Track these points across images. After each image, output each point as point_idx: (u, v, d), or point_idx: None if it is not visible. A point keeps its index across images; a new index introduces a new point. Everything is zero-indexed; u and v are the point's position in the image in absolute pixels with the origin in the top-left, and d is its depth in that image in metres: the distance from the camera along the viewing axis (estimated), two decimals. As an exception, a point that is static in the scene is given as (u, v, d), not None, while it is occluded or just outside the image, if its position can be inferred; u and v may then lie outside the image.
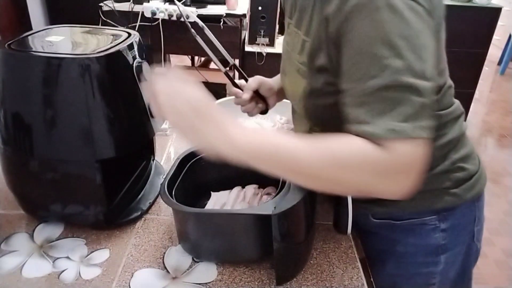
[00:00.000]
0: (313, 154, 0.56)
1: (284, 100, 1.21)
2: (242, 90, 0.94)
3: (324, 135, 0.57)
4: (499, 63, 5.06)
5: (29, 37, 0.80)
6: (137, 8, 2.56)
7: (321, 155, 0.56)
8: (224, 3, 2.65)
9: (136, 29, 2.52)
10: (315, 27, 0.67)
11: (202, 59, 3.41)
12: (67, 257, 0.77)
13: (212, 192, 0.86)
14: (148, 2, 2.60)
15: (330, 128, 0.64)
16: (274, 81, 0.98)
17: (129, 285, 0.72)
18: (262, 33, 2.72)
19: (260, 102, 0.98)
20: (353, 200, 0.77)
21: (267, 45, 2.76)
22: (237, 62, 3.03)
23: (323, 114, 0.74)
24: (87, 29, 0.88)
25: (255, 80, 0.94)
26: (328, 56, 0.65)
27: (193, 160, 0.85)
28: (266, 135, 0.60)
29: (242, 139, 0.57)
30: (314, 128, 0.79)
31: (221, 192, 0.87)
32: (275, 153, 0.56)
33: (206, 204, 0.87)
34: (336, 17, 0.60)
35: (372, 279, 0.77)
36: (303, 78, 0.73)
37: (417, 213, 0.79)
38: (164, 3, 2.58)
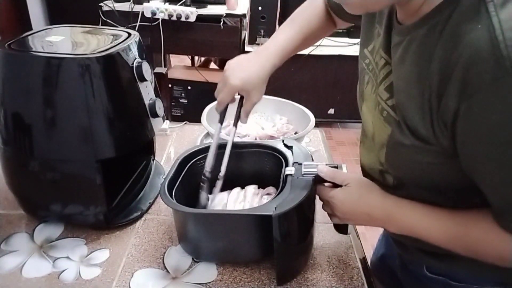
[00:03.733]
0: (456, 246, 0.61)
1: (285, 100, 1.21)
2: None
3: (467, 218, 0.60)
4: None
5: (29, 37, 0.80)
6: (137, 8, 2.56)
7: (463, 248, 0.61)
8: (224, 3, 2.65)
9: (136, 29, 2.52)
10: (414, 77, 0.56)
11: (202, 59, 3.41)
12: (67, 257, 0.77)
13: (208, 195, 0.86)
14: (148, 2, 2.60)
15: (411, 181, 0.65)
16: (263, 65, 0.81)
17: (129, 285, 0.72)
18: (262, 33, 2.72)
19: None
20: (407, 246, 0.75)
21: (267, 45, 2.76)
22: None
23: (408, 168, 0.63)
24: (87, 29, 0.88)
25: (230, 93, 0.81)
26: (431, 128, 0.55)
27: (193, 161, 0.85)
28: (413, 228, 0.65)
29: (395, 231, 0.68)
30: (388, 172, 0.67)
31: (221, 193, 0.86)
32: (418, 237, 0.65)
33: (206, 205, 0.87)
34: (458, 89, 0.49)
35: (372, 279, 0.77)
36: (388, 124, 0.63)
37: (479, 279, 0.69)
38: (164, 3, 2.58)
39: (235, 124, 0.84)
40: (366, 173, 0.75)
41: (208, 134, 1.16)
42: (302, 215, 0.71)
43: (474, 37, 0.47)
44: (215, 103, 1.15)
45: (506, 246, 0.55)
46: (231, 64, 0.82)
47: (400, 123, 0.59)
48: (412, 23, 0.56)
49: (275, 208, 0.65)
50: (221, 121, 0.84)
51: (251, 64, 0.82)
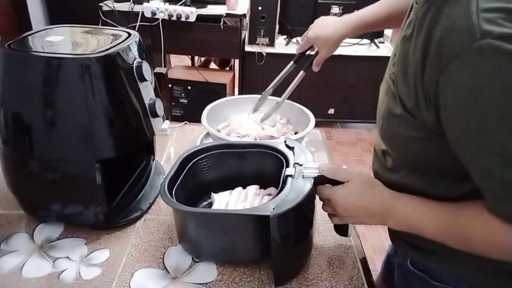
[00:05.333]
0: (448, 237, 0.61)
1: (298, 106, 1.20)
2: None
3: (457, 206, 0.59)
4: None
5: (29, 37, 0.80)
6: (137, 8, 2.56)
7: (454, 238, 0.60)
8: (224, 3, 2.65)
9: (136, 29, 2.52)
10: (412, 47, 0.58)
11: (202, 59, 3.41)
12: (67, 257, 0.77)
13: (212, 193, 0.86)
14: (148, 2, 2.60)
15: (404, 161, 0.66)
16: (338, 29, 0.99)
17: (129, 285, 0.72)
18: (262, 33, 2.72)
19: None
20: (397, 237, 0.75)
21: (267, 45, 2.76)
22: (237, 62, 3.03)
23: (396, 142, 0.66)
24: (87, 29, 0.88)
25: (307, 43, 1.04)
26: (415, 100, 0.57)
27: (194, 160, 0.85)
28: (410, 221, 0.65)
29: (395, 226, 0.69)
30: (388, 152, 0.70)
31: (222, 193, 0.87)
32: (415, 231, 0.65)
33: (206, 204, 0.87)
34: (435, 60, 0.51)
35: (372, 279, 0.77)
36: (387, 96, 0.66)
37: (458, 280, 0.68)
38: (164, 3, 2.58)
39: (305, 70, 1.06)
40: (375, 154, 0.77)
41: (208, 134, 1.16)
42: (300, 216, 0.71)
43: (452, 10, 0.50)
44: (215, 103, 1.17)
45: (494, 231, 0.54)
46: (318, 20, 1.03)
47: (395, 94, 0.62)
48: (420, 3, 0.59)
49: (273, 208, 0.65)
50: (296, 60, 1.10)
51: (329, 26, 1.00)
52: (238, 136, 1.10)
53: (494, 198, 0.53)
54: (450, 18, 0.50)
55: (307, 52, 1.08)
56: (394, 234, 0.77)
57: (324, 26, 1.01)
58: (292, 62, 1.09)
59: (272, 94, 1.16)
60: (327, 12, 2.83)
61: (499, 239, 0.54)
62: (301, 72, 1.06)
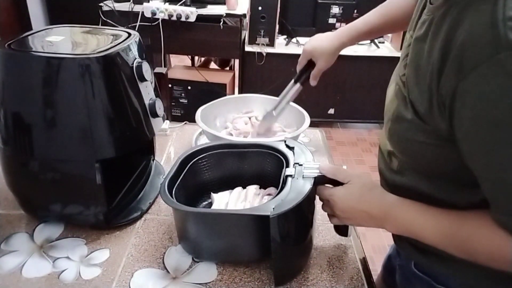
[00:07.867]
0: (449, 245, 0.60)
1: (294, 105, 1.20)
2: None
3: (460, 215, 0.58)
4: None
5: (29, 37, 0.80)
6: (137, 8, 2.56)
7: (456, 246, 0.59)
8: (224, 3, 2.65)
9: (136, 29, 2.52)
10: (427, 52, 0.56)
11: (202, 59, 3.41)
12: (67, 257, 0.77)
13: (212, 193, 0.86)
14: (148, 2, 2.60)
15: (410, 164, 0.65)
16: (333, 40, 1.00)
17: (129, 285, 0.72)
18: (262, 33, 2.72)
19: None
20: (401, 240, 0.75)
21: (267, 45, 2.76)
22: (237, 62, 3.03)
23: (405, 145, 0.64)
24: (87, 29, 0.88)
25: (304, 57, 1.05)
26: (428, 106, 0.56)
27: (194, 160, 0.85)
28: (410, 226, 0.65)
29: (393, 230, 0.69)
30: (394, 154, 0.69)
31: (222, 193, 0.87)
32: (414, 237, 0.64)
33: (206, 204, 0.87)
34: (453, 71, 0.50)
35: (372, 279, 0.77)
36: (396, 98, 0.65)
37: (462, 285, 0.68)
38: (164, 3, 2.58)
39: (302, 84, 1.05)
40: (381, 153, 0.76)
41: (202, 133, 1.17)
42: (300, 216, 0.71)
43: (476, 16, 0.48)
44: (211, 103, 1.16)
45: (498, 242, 0.53)
46: (312, 37, 1.04)
47: (406, 98, 0.61)
48: (437, 3, 0.57)
49: (273, 208, 0.65)
50: (296, 80, 1.06)
51: (324, 38, 1.02)
52: (236, 130, 1.10)
53: (503, 211, 0.52)
54: (474, 24, 0.48)
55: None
56: (398, 236, 0.77)
57: (320, 38, 1.02)
58: (292, 81, 1.06)
59: (271, 94, 1.16)
60: (327, 12, 2.84)
61: (503, 251, 0.53)
62: (298, 85, 1.05)
